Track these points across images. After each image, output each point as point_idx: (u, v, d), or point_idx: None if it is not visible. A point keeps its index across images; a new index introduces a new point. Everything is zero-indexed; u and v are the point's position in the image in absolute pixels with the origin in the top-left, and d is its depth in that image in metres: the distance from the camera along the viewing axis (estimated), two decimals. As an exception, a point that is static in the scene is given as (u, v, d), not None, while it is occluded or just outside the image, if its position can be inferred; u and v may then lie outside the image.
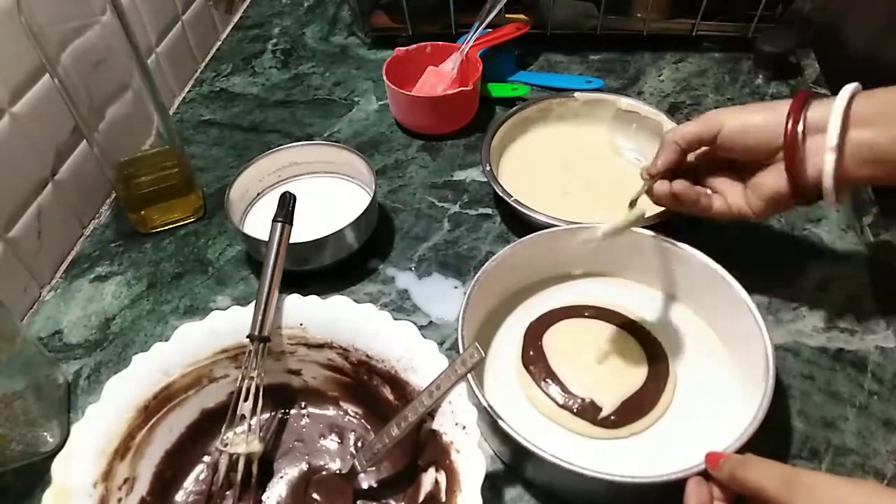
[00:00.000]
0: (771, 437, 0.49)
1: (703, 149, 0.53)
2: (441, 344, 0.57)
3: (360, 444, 0.49)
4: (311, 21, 0.98)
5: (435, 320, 0.59)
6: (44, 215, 0.64)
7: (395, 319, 0.47)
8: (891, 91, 0.45)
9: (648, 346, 0.53)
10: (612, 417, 0.49)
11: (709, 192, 0.54)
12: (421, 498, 0.44)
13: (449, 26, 0.85)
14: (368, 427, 0.50)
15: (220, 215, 0.69)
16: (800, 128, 0.46)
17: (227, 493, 0.46)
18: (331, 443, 0.50)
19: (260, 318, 0.47)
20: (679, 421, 0.50)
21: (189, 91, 0.88)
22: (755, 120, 0.49)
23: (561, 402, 0.50)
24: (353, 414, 0.51)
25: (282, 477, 0.48)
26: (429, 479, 0.44)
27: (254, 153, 0.67)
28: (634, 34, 0.86)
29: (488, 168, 0.66)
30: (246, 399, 0.46)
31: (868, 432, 0.50)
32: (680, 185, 0.52)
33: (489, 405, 0.45)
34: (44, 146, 0.64)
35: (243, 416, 0.46)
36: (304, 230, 0.57)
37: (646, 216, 0.55)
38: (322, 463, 0.49)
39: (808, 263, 0.61)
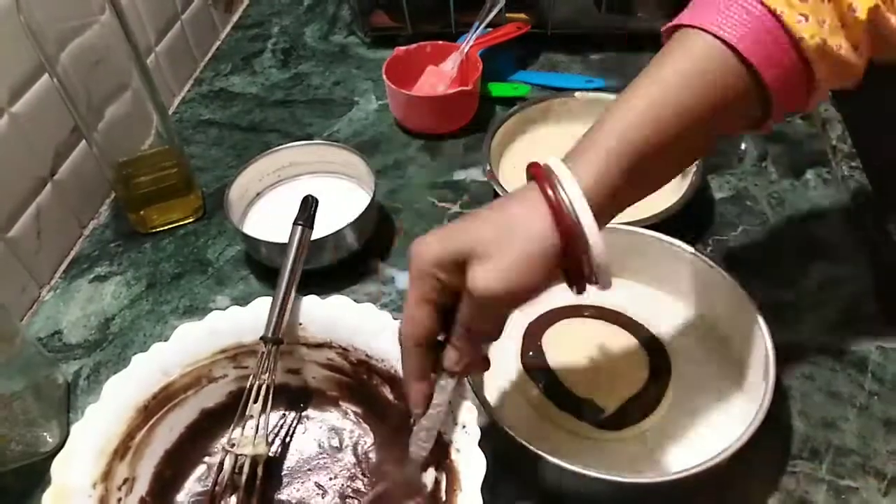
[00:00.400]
0: (771, 437, 0.49)
1: None
2: (441, 344, 0.56)
3: (359, 444, 0.49)
4: (310, 20, 0.98)
5: (435, 320, 0.59)
6: (43, 215, 0.64)
7: (395, 319, 0.47)
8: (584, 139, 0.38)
9: (649, 346, 0.53)
10: (614, 419, 0.49)
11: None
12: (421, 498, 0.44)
13: (449, 26, 0.85)
14: (368, 427, 0.50)
15: (220, 215, 0.69)
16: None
17: (231, 494, 0.46)
18: (331, 443, 0.50)
19: (275, 319, 0.47)
20: (679, 421, 0.50)
21: (188, 91, 0.88)
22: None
23: (561, 403, 0.50)
24: (352, 414, 0.51)
25: (283, 478, 0.48)
26: (429, 478, 0.44)
27: (253, 153, 0.67)
28: (635, 34, 0.85)
29: (488, 168, 0.65)
30: (255, 400, 0.46)
31: (868, 432, 0.50)
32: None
33: (489, 405, 0.45)
34: (43, 146, 0.64)
35: (251, 417, 0.46)
36: (304, 230, 0.57)
37: (646, 216, 0.55)
38: (322, 464, 0.49)
39: (808, 263, 0.61)
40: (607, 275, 0.36)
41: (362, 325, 0.47)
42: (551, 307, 0.57)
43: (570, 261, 0.35)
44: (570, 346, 0.53)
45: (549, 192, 0.35)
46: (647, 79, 0.37)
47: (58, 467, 0.41)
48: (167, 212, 0.68)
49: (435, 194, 0.71)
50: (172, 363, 0.47)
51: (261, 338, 0.47)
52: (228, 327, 0.48)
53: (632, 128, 0.36)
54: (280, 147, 0.67)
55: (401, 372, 0.45)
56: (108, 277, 0.65)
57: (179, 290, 0.64)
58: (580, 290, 0.37)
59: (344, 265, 0.62)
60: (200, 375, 0.48)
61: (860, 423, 0.50)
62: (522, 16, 0.84)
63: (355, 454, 0.49)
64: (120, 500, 0.43)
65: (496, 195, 0.65)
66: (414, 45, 0.79)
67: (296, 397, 0.51)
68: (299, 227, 0.51)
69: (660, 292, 0.58)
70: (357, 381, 0.49)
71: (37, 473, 0.50)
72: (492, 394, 0.51)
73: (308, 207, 0.52)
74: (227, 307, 0.49)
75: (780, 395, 0.52)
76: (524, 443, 0.43)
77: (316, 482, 0.48)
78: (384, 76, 0.75)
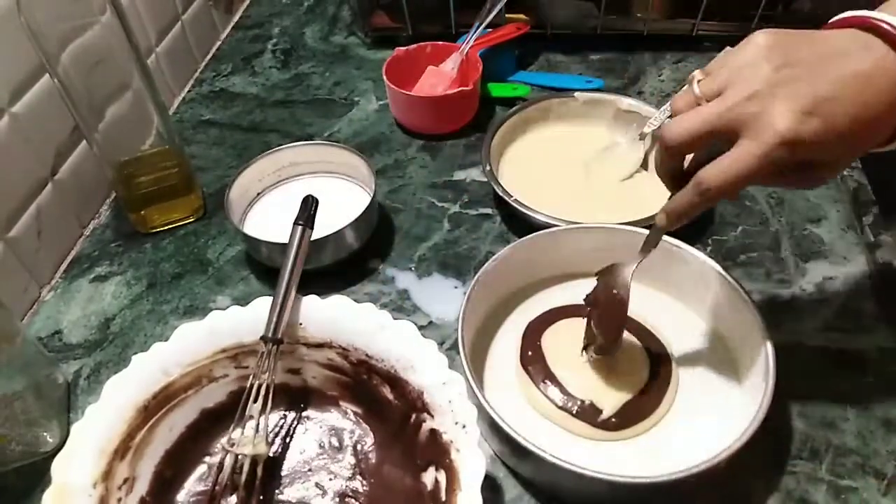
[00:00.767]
0: (771, 437, 0.49)
1: None
2: (441, 344, 0.57)
3: (359, 444, 0.49)
4: (310, 21, 0.98)
5: (435, 320, 0.59)
6: (43, 215, 0.64)
7: (396, 319, 0.47)
8: None
9: (650, 346, 0.53)
10: (614, 420, 0.49)
11: None
12: (421, 497, 0.44)
13: (449, 26, 0.85)
14: (368, 427, 0.50)
15: (220, 215, 0.69)
16: None
17: (231, 494, 0.46)
18: (331, 443, 0.50)
19: (275, 319, 0.47)
20: (679, 421, 0.50)
21: (189, 91, 0.88)
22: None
23: (560, 403, 0.50)
24: (352, 414, 0.51)
25: (283, 478, 0.48)
26: (429, 478, 0.44)
27: (254, 153, 0.67)
28: (635, 34, 0.86)
29: (488, 168, 0.66)
30: (255, 400, 0.46)
31: (868, 432, 0.50)
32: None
33: (489, 405, 0.45)
34: (43, 146, 0.64)
35: (251, 417, 0.46)
36: (304, 230, 0.57)
37: (646, 216, 0.55)
38: (322, 464, 0.49)
39: (808, 263, 0.61)
40: None
41: (362, 325, 0.47)
42: (551, 307, 0.57)
43: None
44: (568, 346, 0.53)
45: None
46: None
47: (58, 467, 0.41)
48: (167, 212, 0.68)
49: (435, 194, 0.71)
50: (173, 363, 0.47)
51: (261, 338, 0.47)
52: (228, 327, 0.48)
53: None
54: (280, 147, 0.67)
55: (400, 372, 0.46)
56: (108, 277, 0.65)
57: (180, 290, 0.64)
58: None
59: (344, 265, 0.62)
60: (201, 375, 0.48)
61: (860, 423, 0.50)
62: (522, 16, 0.84)
63: (355, 454, 0.49)
64: (120, 499, 0.43)
65: (496, 195, 0.65)
66: (414, 46, 0.79)
67: (296, 397, 0.51)
68: (299, 227, 0.51)
69: (660, 292, 0.58)
70: (357, 381, 0.49)
71: (37, 473, 0.50)
72: (492, 394, 0.51)
73: (308, 207, 0.53)
74: (228, 307, 0.49)
75: (780, 395, 0.51)
76: (524, 443, 0.43)
77: (316, 482, 0.48)
78: (384, 76, 0.75)
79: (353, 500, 0.47)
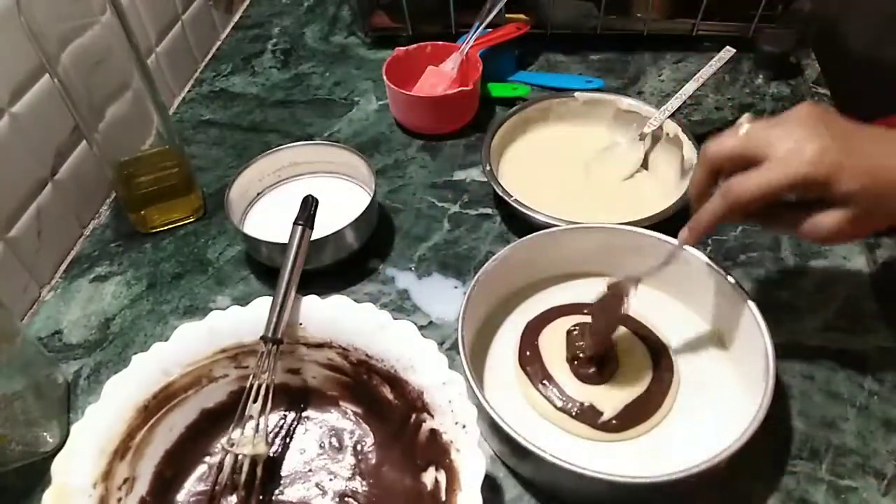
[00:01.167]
0: (771, 437, 0.49)
1: None
2: (441, 344, 0.57)
3: (359, 444, 0.49)
4: (310, 21, 0.98)
5: (435, 320, 0.59)
6: (43, 215, 0.64)
7: (396, 319, 0.47)
8: None
9: (651, 345, 0.53)
10: (614, 422, 0.49)
11: None
12: (421, 497, 0.44)
13: (449, 26, 0.85)
14: (368, 427, 0.50)
15: (220, 215, 0.69)
16: None
17: (231, 494, 0.46)
18: (331, 443, 0.50)
19: (275, 319, 0.47)
20: (679, 421, 0.50)
21: (189, 91, 0.88)
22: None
23: (559, 404, 0.50)
24: (352, 414, 0.51)
25: (283, 478, 0.48)
26: (429, 478, 0.44)
27: (254, 153, 0.67)
28: (634, 34, 0.86)
29: (488, 168, 0.66)
30: (255, 400, 0.46)
31: (868, 432, 0.50)
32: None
33: (489, 405, 0.45)
34: (44, 146, 0.64)
35: (251, 417, 0.46)
36: (304, 230, 0.57)
37: (646, 216, 0.55)
38: (322, 464, 0.49)
39: (808, 263, 0.61)
40: None
41: (362, 325, 0.47)
42: (551, 306, 0.57)
43: None
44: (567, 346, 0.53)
45: None
46: None
47: (58, 467, 0.41)
48: (167, 212, 0.68)
49: (435, 194, 0.71)
50: (173, 363, 0.47)
51: (261, 337, 0.47)
52: (229, 327, 0.48)
53: None
54: (280, 147, 0.67)
55: (400, 372, 0.46)
56: (108, 277, 0.65)
57: (180, 290, 0.64)
58: None
59: (344, 265, 0.62)
60: (201, 375, 0.48)
61: (860, 423, 0.50)
62: (522, 16, 0.84)
63: (355, 454, 0.49)
64: (120, 499, 0.43)
65: (496, 195, 0.65)
66: (414, 46, 0.79)
67: (296, 397, 0.51)
68: (299, 227, 0.51)
69: (660, 292, 0.58)
70: (357, 381, 0.49)
71: (37, 473, 0.50)
72: (492, 394, 0.51)
73: (308, 207, 0.53)
74: (228, 307, 0.49)
75: (780, 395, 0.52)
76: (524, 443, 0.43)
77: (316, 482, 0.48)
78: (384, 76, 0.75)
79: (352, 501, 0.47)
